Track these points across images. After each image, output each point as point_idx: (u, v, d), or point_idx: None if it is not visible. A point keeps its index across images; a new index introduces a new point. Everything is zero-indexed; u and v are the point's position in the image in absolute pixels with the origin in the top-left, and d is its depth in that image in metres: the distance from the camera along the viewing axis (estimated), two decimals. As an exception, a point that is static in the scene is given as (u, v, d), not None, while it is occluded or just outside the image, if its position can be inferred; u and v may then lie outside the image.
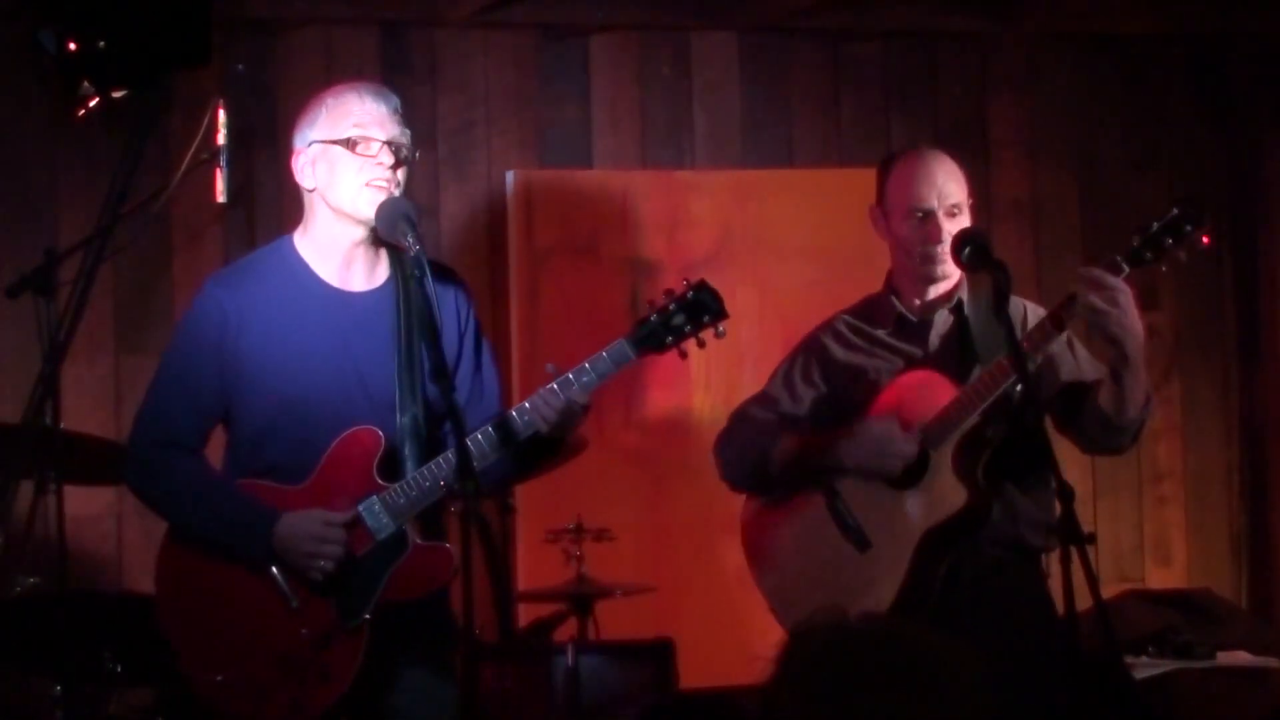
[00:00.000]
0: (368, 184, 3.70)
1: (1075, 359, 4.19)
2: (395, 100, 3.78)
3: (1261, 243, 6.55)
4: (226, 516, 3.70)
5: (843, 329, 4.32)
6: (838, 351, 4.30)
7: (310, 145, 3.75)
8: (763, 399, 4.39)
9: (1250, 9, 6.37)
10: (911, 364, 4.22)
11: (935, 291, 4.23)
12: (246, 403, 3.75)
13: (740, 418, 4.41)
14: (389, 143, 3.71)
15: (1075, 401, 4.15)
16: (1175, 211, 3.95)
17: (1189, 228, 3.94)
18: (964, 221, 4.15)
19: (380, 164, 3.70)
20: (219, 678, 3.66)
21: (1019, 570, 4.18)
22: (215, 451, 3.87)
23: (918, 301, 4.24)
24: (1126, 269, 3.95)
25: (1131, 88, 6.52)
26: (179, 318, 4.04)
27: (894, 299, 4.26)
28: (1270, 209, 6.54)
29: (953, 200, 4.15)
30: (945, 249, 4.12)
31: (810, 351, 4.35)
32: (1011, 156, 6.40)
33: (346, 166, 3.71)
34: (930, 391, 4.10)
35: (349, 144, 3.70)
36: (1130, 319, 3.93)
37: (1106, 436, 4.13)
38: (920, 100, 6.34)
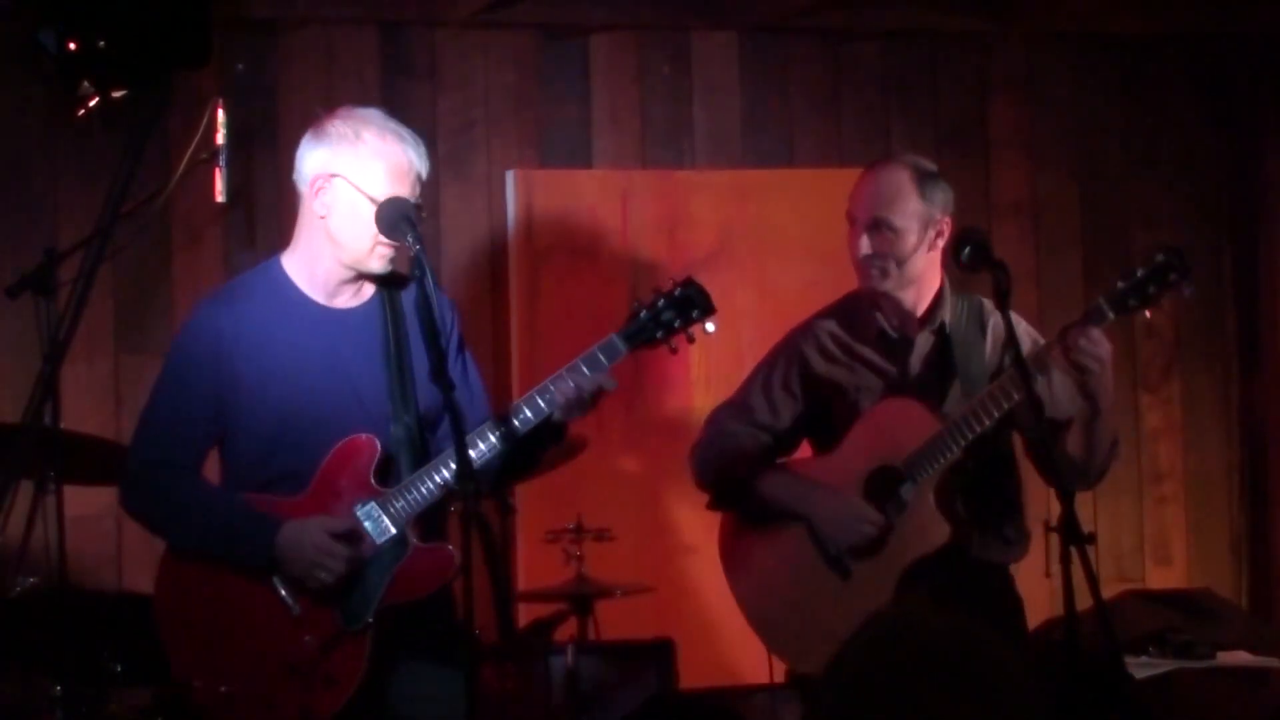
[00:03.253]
0: (385, 244, 3.70)
1: (1051, 392, 4.12)
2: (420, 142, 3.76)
3: (1261, 243, 6.55)
4: (227, 527, 3.70)
5: (824, 339, 4.29)
6: (818, 363, 4.28)
7: (335, 179, 3.71)
8: (740, 408, 4.35)
9: (1250, 9, 6.37)
10: (890, 385, 4.21)
11: (909, 306, 4.20)
12: (243, 420, 3.75)
13: (717, 431, 4.37)
14: (418, 206, 3.71)
15: (1047, 435, 4.12)
16: (1160, 258, 3.94)
17: (1174, 276, 3.93)
18: (890, 240, 4.11)
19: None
20: (224, 689, 3.66)
21: (982, 583, 4.16)
22: (211, 473, 3.88)
23: (896, 320, 4.22)
24: (1112, 316, 3.94)
25: (1131, 88, 6.52)
26: (181, 317, 4.05)
27: (877, 313, 4.24)
28: (1270, 209, 6.54)
29: (877, 214, 4.13)
30: (868, 263, 4.13)
31: (790, 360, 4.33)
32: (1011, 157, 6.41)
33: (371, 224, 3.68)
34: (910, 422, 4.09)
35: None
36: (1107, 376, 3.95)
37: (1072, 478, 4.09)
38: (920, 100, 6.34)
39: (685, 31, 6.16)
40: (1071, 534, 3.55)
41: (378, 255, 3.70)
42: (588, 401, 3.73)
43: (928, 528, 4.07)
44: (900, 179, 4.17)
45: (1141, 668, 5.42)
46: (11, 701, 4.77)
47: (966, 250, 3.91)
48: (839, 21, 6.23)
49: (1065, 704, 3.97)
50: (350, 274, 3.77)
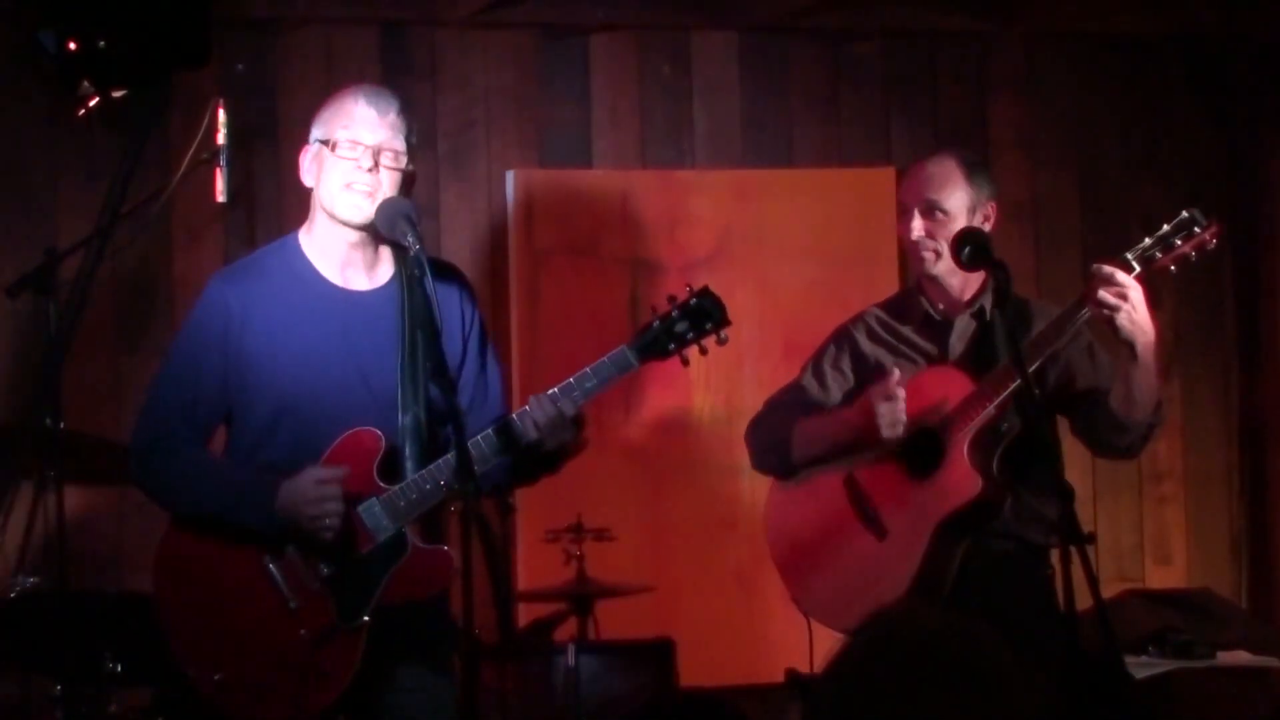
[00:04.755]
0: (346, 186, 3.72)
1: (1094, 366, 4.25)
2: (394, 105, 3.77)
3: (1261, 243, 6.55)
4: (228, 490, 3.71)
5: (873, 323, 4.43)
6: (865, 344, 4.41)
7: (313, 143, 3.79)
8: (792, 388, 4.49)
9: (1250, 9, 6.37)
10: (931, 363, 4.30)
11: (956, 293, 4.30)
12: (249, 399, 3.75)
13: (770, 406, 4.52)
14: (370, 147, 3.71)
15: (1093, 407, 4.20)
16: (1184, 214, 4.04)
17: (1197, 229, 4.03)
18: (943, 222, 4.23)
19: (359, 168, 3.71)
20: (217, 676, 3.66)
21: (1023, 566, 4.24)
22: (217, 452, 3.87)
23: (941, 305, 4.32)
24: (1137, 268, 4.01)
25: (1131, 88, 6.52)
26: (181, 316, 4.05)
27: (921, 297, 4.35)
28: (1270, 209, 6.54)
29: (930, 197, 4.25)
30: (920, 245, 4.26)
31: (840, 342, 4.46)
32: (1011, 156, 6.40)
33: (330, 168, 3.74)
34: (948, 385, 4.19)
35: (330, 145, 3.72)
36: (1140, 315, 4.00)
37: (1115, 436, 4.21)
38: (920, 100, 6.34)
39: (685, 31, 6.16)
40: (1071, 534, 3.56)
41: (343, 201, 3.72)
42: (567, 424, 3.72)
43: (960, 484, 4.14)
44: (949, 165, 4.30)
45: (1141, 668, 5.42)
46: (11, 701, 4.77)
47: (967, 250, 4.00)
48: (839, 21, 6.22)
49: (1065, 704, 3.98)
50: (351, 238, 3.76)
